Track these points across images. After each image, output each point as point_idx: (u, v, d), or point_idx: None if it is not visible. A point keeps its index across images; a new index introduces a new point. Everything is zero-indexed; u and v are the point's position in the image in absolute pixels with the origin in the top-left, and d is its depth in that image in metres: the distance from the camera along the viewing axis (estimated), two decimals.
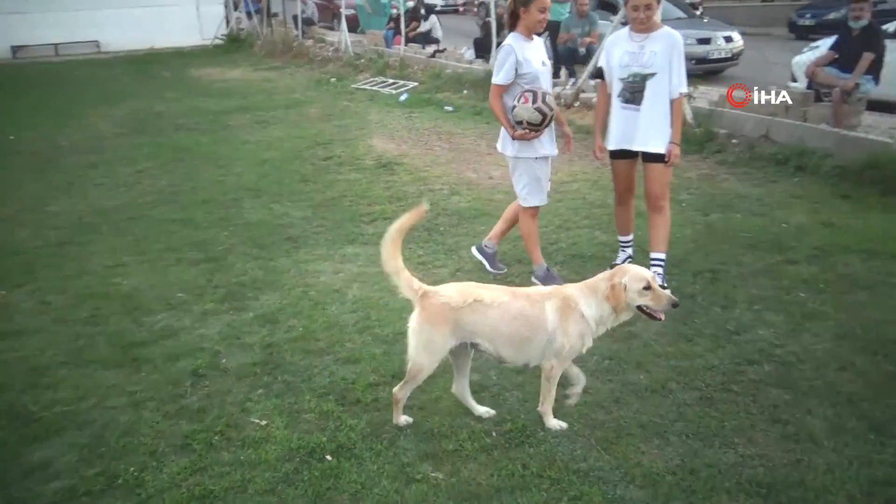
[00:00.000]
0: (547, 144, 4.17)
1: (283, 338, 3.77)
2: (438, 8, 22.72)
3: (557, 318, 2.78)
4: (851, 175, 5.99)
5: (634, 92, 4.02)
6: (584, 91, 9.54)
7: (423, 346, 2.81)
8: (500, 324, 2.79)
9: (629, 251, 4.52)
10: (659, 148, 4.04)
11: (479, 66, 12.22)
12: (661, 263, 4.20)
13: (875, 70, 7.22)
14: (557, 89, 10.02)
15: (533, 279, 4.30)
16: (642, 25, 4.00)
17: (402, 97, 11.24)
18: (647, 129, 4.04)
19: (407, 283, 2.84)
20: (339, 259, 4.89)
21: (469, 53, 13.59)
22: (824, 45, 8.59)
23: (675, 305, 2.78)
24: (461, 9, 29.55)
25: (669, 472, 2.64)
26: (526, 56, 3.99)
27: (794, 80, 9.27)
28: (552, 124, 4.11)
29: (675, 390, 3.17)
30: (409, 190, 6.41)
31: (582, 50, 10.40)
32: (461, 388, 3.00)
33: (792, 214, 5.37)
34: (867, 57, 7.09)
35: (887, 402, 3.00)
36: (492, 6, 11.89)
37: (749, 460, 2.69)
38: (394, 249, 2.82)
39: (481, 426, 2.95)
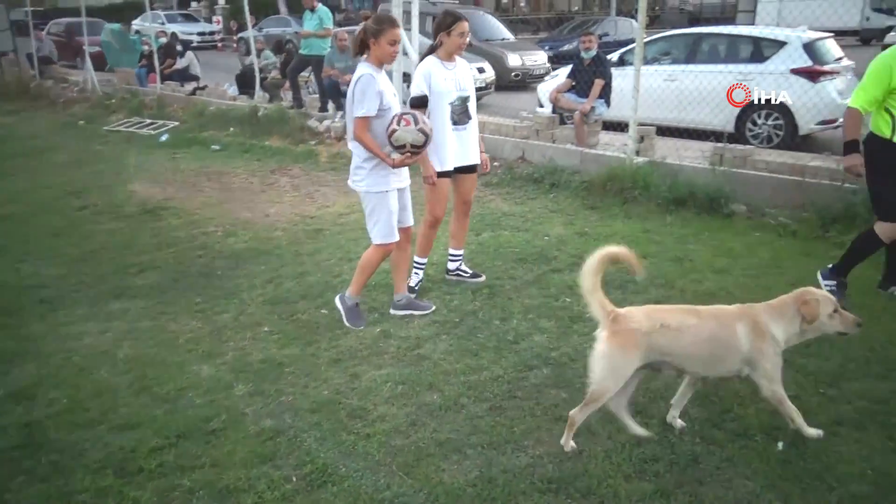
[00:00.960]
0: (403, 174, 4.17)
1: (45, 413, 3.36)
2: (195, 44, 21.86)
3: (751, 341, 2.80)
4: (596, 188, 6.72)
5: (461, 114, 4.38)
6: None
7: (611, 370, 2.81)
8: (692, 347, 2.82)
9: (422, 275, 4.70)
10: (478, 160, 4.58)
11: (243, 102, 11.94)
12: (461, 258, 4.79)
13: (606, 95, 8.20)
14: (327, 122, 10.09)
15: (337, 301, 4.29)
16: (460, 51, 4.38)
17: (163, 137, 10.65)
18: (474, 144, 4.53)
19: (600, 303, 2.84)
20: (104, 317, 4.47)
21: (232, 90, 13.23)
22: (563, 73, 9.58)
23: (859, 325, 2.88)
24: (220, 44, 28.73)
25: (469, 485, 2.73)
26: (380, 88, 3.93)
27: (542, 106, 10.23)
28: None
29: (467, 405, 3.30)
30: (180, 235, 6.06)
31: (344, 87, 10.50)
32: (620, 405, 2.96)
33: (552, 227, 5.89)
34: (598, 83, 8.04)
35: (645, 387, 3.37)
36: (251, 42, 11.70)
37: (539, 460, 2.88)
38: (597, 271, 2.86)
39: (280, 473, 2.85)
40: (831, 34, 10.08)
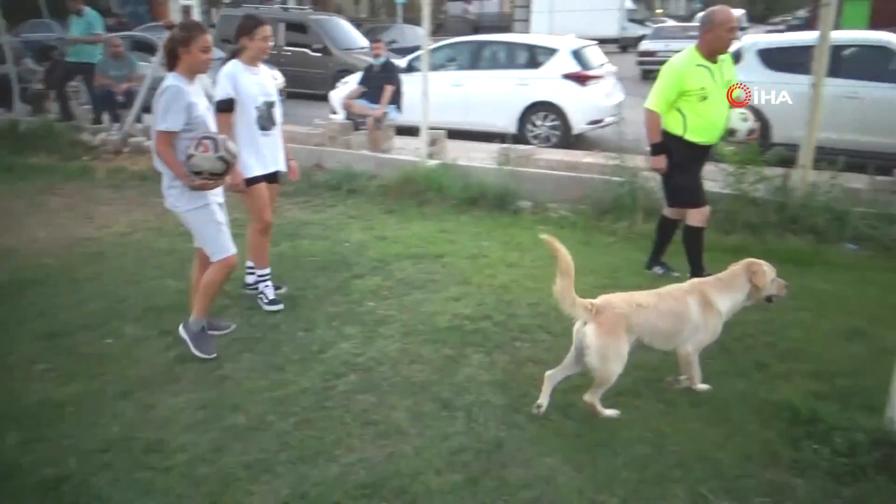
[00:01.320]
0: (218, 190, 3.83)
1: None
2: None
3: (700, 314, 3.18)
4: (393, 192, 6.85)
5: (268, 119, 4.26)
6: (133, 136, 9.03)
7: (611, 357, 3.03)
8: (658, 323, 3.15)
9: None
10: (283, 166, 4.48)
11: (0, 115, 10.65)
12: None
13: (397, 100, 8.37)
14: (102, 135, 9.31)
15: (181, 331, 3.90)
16: (265, 55, 4.23)
17: None
18: (279, 150, 4.42)
19: (581, 307, 3.06)
20: None
21: None
22: (353, 80, 9.64)
23: (787, 288, 3.38)
24: None
25: None
26: (192, 99, 3.59)
27: (335, 113, 10.21)
28: None
29: (274, 422, 3.20)
30: None
31: (120, 98, 9.72)
32: (554, 379, 3.21)
33: (351, 234, 5.89)
34: (389, 89, 8.20)
35: (450, 382, 3.49)
36: (5, 48, 10.48)
37: (351, 467, 2.86)
38: (569, 289, 3.03)
39: None
40: (595, 42, 11.06)
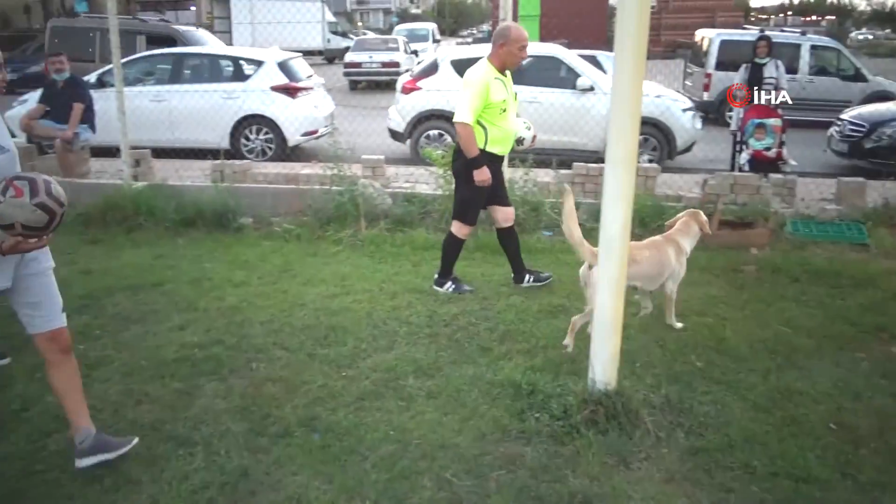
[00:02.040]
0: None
1: None
2: None
3: (675, 258, 4.12)
4: (96, 220, 6.19)
5: None
6: None
7: None
8: (647, 269, 4.04)
9: None
10: None
11: None
12: None
13: (89, 119, 7.57)
14: None
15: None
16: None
17: None
18: None
19: (589, 251, 3.75)
20: None
21: None
22: (33, 98, 8.53)
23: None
24: None
25: None
26: None
27: (14, 136, 8.93)
28: None
29: None
30: None
31: None
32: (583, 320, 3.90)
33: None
34: (77, 107, 7.38)
35: (184, 417, 3.25)
36: None
37: None
38: (574, 228, 3.78)
39: None
40: (300, 54, 11.11)
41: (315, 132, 9.78)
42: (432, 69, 9.69)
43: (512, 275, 4.94)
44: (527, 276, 4.89)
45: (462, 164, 4.57)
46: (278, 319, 4.31)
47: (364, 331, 4.16)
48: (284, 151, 9.43)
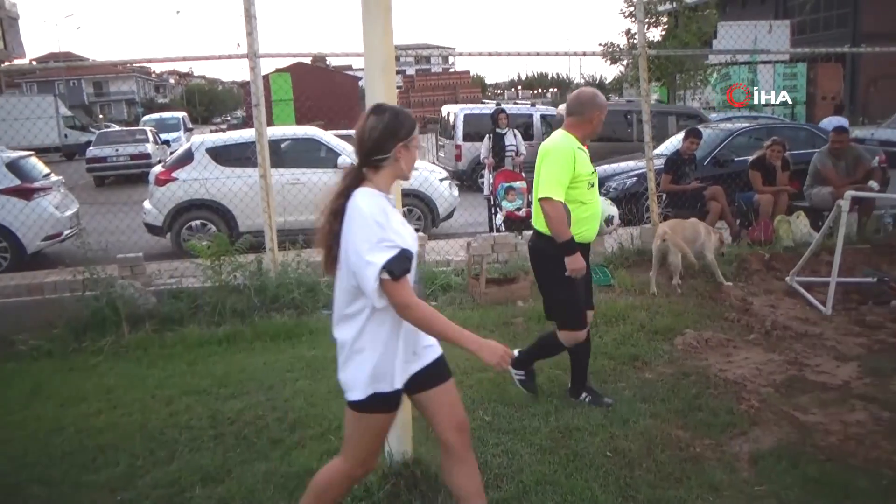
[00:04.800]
0: None
1: None
2: None
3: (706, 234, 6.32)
4: None
5: None
6: None
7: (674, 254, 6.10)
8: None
9: None
10: None
11: None
12: None
13: None
14: None
15: None
16: None
17: None
18: None
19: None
20: None
21: None
22: None
23: None
24: None
25: None
26: None
27: None
28: None
29: None
30: None
31: None
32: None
33: None
34: None
35: None
36: None
37: None
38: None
39: None
40: (33, 152, 10.16)
41: (59, 235, 8.90)
42: (187, 158, 9.34)
43: (568, 386, 4.21)
44: (584, 394, 4.11)
45: (546, 253, 3.83)
46: (32, 451, 3.76)
47: (138, 445, 3.77)
48: (23, 260, 8.43)
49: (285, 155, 9.36)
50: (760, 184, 7.98)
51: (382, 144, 2.38)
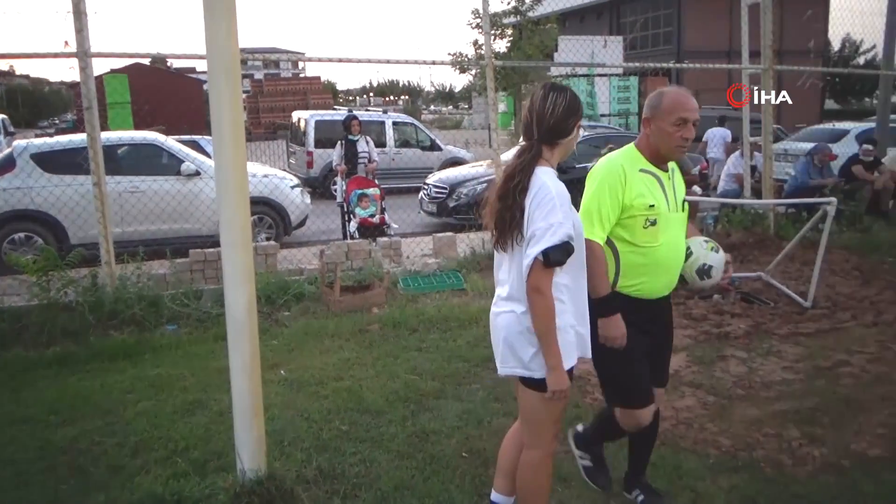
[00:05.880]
0: None
1: None
2: None
3: None
4: None
5: None
6: None
7: None
8: None
9: None
10: None
11: None
12: None
13: None
14: None
15: None
16: None
17: None
18: None
19: None
20: None
21: None
22: None
23: None
24: None
25: None
26: None
27: None
28: None
29: None
30: None
31: None
32: None
33: None
34: None
35: None
36: None
37: None
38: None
39: None
40: None
41: None
42: (8, 164, 8.49)
43: (625, 475, 3.22)
44: (637, 492, 3.15)
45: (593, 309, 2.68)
46: None
47: None
48: None
49: (122, 161, 8.78)
50: None
51: (566, 123, 2.47)
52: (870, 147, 9.82)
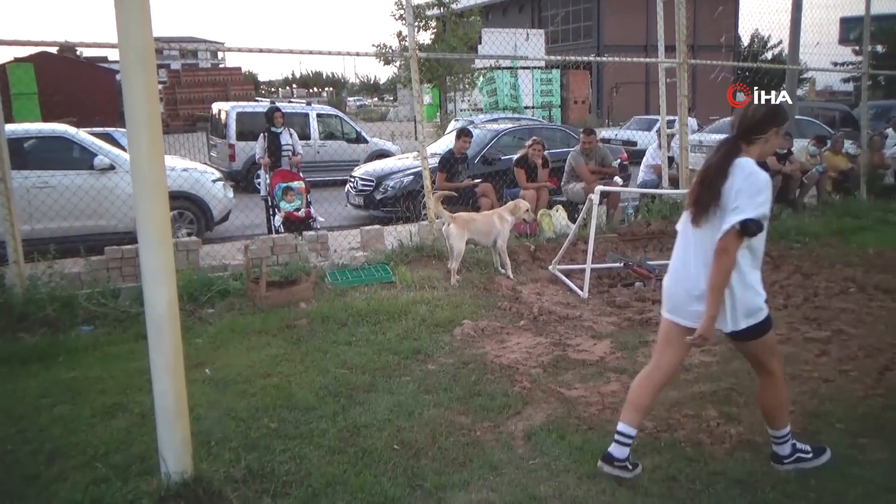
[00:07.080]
0: None
1: None
2: None
3: (500, 223, 6.68)
4: None
5: None
6: None
7: (458, 239, 6.40)
8: (481, 227, 6.60)
9: None
10: None
11: None
12: None
13: None
14: None
15: None
16: None
17: None
18: None
19: (447, 215, 6.48)
20: None
21: None
22: None
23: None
24: None
25: None
26: None
27: None
28: None
29: None
30: None
31: None
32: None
33: None
34: None
35: None
36: None
37: None
38: (438, 208, 6.65)
39: None
40: None
41: None
42: None
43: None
44: None
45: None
46: None
47: None
48: None
49: (30, 155, 8.32)
50: (524, 180, 8.65)
51: (761, 125, 3.01)
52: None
